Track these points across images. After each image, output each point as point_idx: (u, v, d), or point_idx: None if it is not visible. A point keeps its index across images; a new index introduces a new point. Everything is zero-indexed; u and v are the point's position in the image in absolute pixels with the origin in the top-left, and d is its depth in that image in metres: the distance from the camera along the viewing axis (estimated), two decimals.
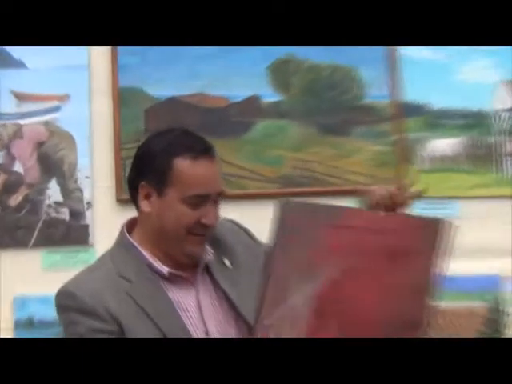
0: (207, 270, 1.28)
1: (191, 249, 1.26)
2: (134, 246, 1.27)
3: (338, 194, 2.03)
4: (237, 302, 1.24)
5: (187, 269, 1.27)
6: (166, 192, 1.23)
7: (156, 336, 1.16)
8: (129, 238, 1.28)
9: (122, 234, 1.30)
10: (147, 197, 1.25)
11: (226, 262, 1.29)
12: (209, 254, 1.29)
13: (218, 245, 1.32)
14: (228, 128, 2.13)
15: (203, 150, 1.24)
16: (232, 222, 1.39)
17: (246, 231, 1.38)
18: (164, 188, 1.23)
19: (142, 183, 1.24)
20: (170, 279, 1.25)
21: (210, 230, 1.26)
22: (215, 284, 1.26)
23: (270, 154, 2.15)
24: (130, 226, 1.29)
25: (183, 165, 1.23)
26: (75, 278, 1.27)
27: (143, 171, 1.26)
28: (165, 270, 1.25)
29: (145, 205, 1.25)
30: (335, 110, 2.18)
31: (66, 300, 1.23)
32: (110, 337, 1.16)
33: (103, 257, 1.31)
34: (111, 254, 1.30)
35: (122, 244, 1.29)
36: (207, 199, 1.24)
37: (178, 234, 1.24)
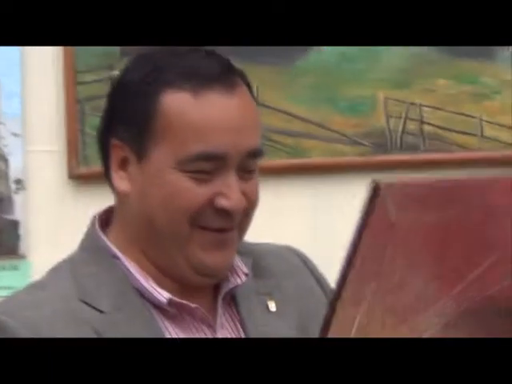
0: (233, 301, 0.91)
1: (202, 256, 0.87)
2: (110, 252, 0.91)
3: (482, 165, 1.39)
4: None
5: (199, 295, 0.89)
6: (151, 153, 0.85)
7: None
8: (103, 239, 0.91)
9: (91, 232, 0.92)
10: (123, 165, 0.85)
11: (269, 302, 0.91)
12: (239, 274, 0.91)
13: (260, 271, 0.95)
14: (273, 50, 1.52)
15: (215, 76, 0.84)
16: (293, 249, 1.01)
17: (312, 269, 0.98)
18: (147, 146, 0.85)
19: (115, 141, 0.85)
20: (170, 311, 0.89)
21: (237, 219, 0.86)
22: (244, 329, 0.89)
23: (350, 93, 1.46)
24: (106, 219, 0.92)
25: (178, 103, 0.85)
26: (8, 301, 0.93)
27: (116, 121, 0.87)
28: (162, 295, 0.89)
29: (119, 179, 0.85)
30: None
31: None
32: None
33: (57, 269, 0.93)
34: (71, 265, 0.91)
35: (90, 250, 0.92)
36: (225, 165, 0.84)
37: (176, 229, 0.87)
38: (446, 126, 1.43)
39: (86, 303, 0.86)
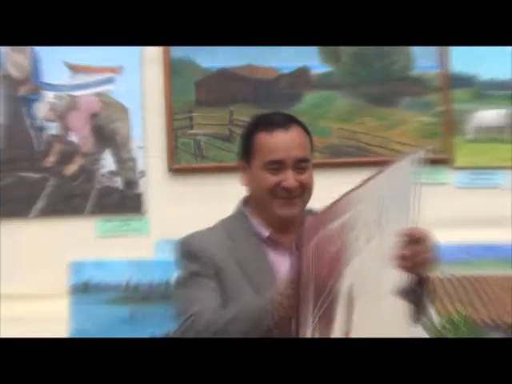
0: None
1: (280, 211, 1.40)
2: (242, 213, 1.47)
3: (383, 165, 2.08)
4: None
5: (286, 235, 1.39)
6: (252, 162, 1.43)
7: (245, 288, 1.33)
8: (241, 206, 1.48)
9: (238, 204, 1.49)
10: (243, 171, 1.45)
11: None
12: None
13: None
14: (277, 99, 2.18)
15: (278, 123, 1.42)
16: None
17: None
18: (250, 159, 1.43)
19: (240, 160, 1.47)
20: (270, 243, 1.41)
21: (296, 193, 1.39)
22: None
23: (319, 125, 2.17)
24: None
25: (262, 137, 1.42)
26: (193, 233, 1.46)
27: (240, 149, 1.49)
28: (264, 233, 1.43)
29: (242, 178, 1.46)
30: (383, 81, 2.22)
31: (181, 246, 1.44)
32: (205, 280, 1.35)
33: (218, 222, 1.49)
34: (224, 220, 1.48)
35: (235, 212, 1.49)
36: (285, 165, 1.39)
37: (264, 199, 1.41)
38: (369, 143, 2.20)
39: (228, 237, 1.42)
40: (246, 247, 1.41)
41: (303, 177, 1.41)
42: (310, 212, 1.38)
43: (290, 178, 1.39)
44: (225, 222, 1.48)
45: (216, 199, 2.07)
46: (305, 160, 1.42)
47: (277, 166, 1.40)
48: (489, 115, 2.24)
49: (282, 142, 1.41)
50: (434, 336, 1.99)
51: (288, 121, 1.44)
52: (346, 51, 2.23)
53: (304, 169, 1.41)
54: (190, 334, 1.28)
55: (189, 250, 1.41)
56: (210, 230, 1.47)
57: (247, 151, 1.45)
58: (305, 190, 1.41)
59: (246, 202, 1.48)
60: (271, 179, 1.40)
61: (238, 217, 1.47)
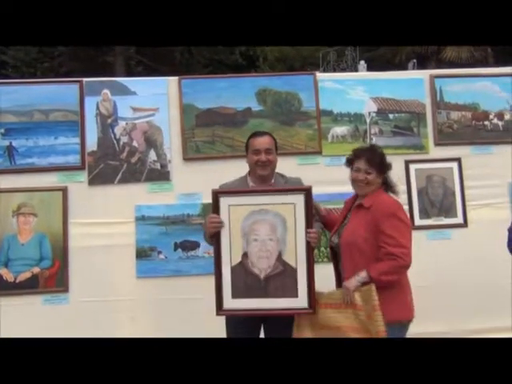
0: None
1: (258, 172, 3.01)
2: (245, 176, 3.08)
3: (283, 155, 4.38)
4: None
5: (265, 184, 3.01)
6: (248, 151, 3.11)
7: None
8: (246, 174, 3.11)
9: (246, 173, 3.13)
10: (246, 156, 3.13)
11: None
12: (272, 185, 3.03)
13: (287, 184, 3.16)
14: (235, 123, 4.39)
15: (259, 134, 3.10)
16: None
17: None
18: (247, 150, 3.12)
19: (245, 151, 3.19)
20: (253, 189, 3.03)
21: (266, 164, 3.00)
22: None
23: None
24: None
25: (252, 140, 3.10)
26: (223, 184, 3.08)
27: (245, 146, 3.24)
28: (250, 183, 3.04)
29: (247, 159, 3.14)
30: (288, 113, 4.47)
31: (217, 189, 2.92)
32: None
33: (236, 179, 3.08)
34: (237, 179, 3.09)
35: (243, 176, 3.10)
36: (260, 151, 3.02)
37: (252, 164, 3.02)
38: (282, 145, 4.49)
39: (237, 185, 3.11)
40: (242, 187, 3.02)
41: (270, 157, 3.00)
42: (279, 175, 3.01)
43: (262, 157, 2.96)
44: (237, 180, 3.04)
45: (206, 175, 4.21)
46: (270, 149, 3.01)
47: (257, 151, 2.98)
48: (339, 130, 4.58)
49: (259, 141, 3.01)
50: None
51: (264, 133, 3.13)
52: (269, 99, 4.52)
53: (270, 154, 3.01)
54: None
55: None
56: (231, 182, 3.02)
57: (247, 147, 3.09)
58: (271, 162, 2.99)
59: (249, 172, 3.04)
60: (255, 158, 3.00)
61: (242, 177, 3.06)
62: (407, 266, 2.69)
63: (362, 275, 2.68)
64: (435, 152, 4.26)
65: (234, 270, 2.85)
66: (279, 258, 2.84)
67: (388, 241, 2.67)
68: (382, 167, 2.99)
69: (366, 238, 2.74)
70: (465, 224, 4.24)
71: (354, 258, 2.74)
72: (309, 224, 2.83)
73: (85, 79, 4.17)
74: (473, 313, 3.70)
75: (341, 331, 2.58)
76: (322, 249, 4.19)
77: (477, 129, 4.53)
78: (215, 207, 2.88)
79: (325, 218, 3.17)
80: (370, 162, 2.99)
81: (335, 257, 3.00)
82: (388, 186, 3.02)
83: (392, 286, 2.65)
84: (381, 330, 2.44)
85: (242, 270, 2.84)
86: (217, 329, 3.21)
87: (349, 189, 4.28)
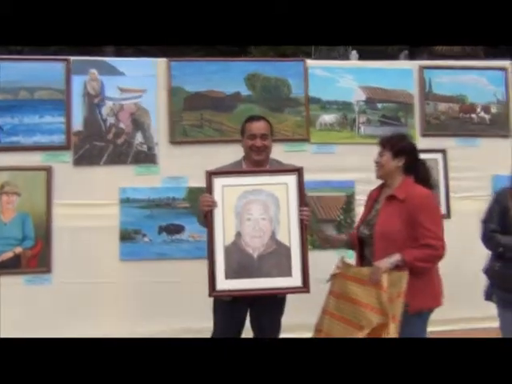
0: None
1: (254, 157, 2.94)
2: (240, 160, 3.01)
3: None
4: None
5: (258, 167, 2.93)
6: (243, 135, 3.03)
7: None
8: (241, 158, 3.01)
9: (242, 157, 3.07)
10: (242, 140, 3.08)
11: None
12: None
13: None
14: (225, 108, 4.32)
15: (255, 119, 3.03)
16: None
17: None
18: (243, 134, 3.04)
19: (241, 136, 3.13)
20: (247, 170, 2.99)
21: (261, 149, 2.93)
22: None
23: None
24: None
25: (248, 124, 3.02)
26: (220, 167, 2.98)
27: (241, 130, 3.15)
28: (244, 167, 2.95)
29: (242, 143, 3.09)
30: (277, 99, 4.46)
31: (210, 170, 2.92)
32: None
33: (233, 162, 3.03)
34: (233, 163, 3.05)
35: (238, 160, 3.05)
36: (256, 136, 2.94)
37: (247, 149, 2.95)
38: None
39: (232, 168, 3.05)
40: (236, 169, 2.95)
41: (265, 142, 2.93)
42: (275, 161, 2.93)
43: (258, 142, 2.90)
44: (231, 164, 2.97)
45: (194, 158, 4.21)
46: (266, 134, 2.93)
47: (252, 136, 2.90)
48: (327, 117, 4.57)
49: (255, 126, 2.94)
50: None
51: (259, 118, 3.04)
52: (258, 84, 4.49)
53: (265, 139, 2.93)
54: None
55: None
56: (228, 165, 2.95)
57: (242, 131, 3.01)
58: (266, 147, 2.92)
59: (244, 156, 2.97)
60: (250, 142, 2.93)
61: (237, 162, 3.00)
62: (441, 257, 2.79)
63: (396, 258, 2.73)
64: (421, 143, 4.28)
65: (227, 249, 2.84)
66: (272, 237, 2.85)
67: (427, 233, 2.75)
68: (396, 150, 2.97)
69: (401, 229, 2.78)
70: (448, 215, 4.31)
71: (388, 248, 2.78)
72: (301, 203, 2.87)
73: (72, 57, 4.12)
74: (456, 302, 3.69)
75: (356, 305, 2.67)
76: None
77: (463, 121, 4.57)
78: (209, 188, 2.89)
79: (348, 238, 3.20)
80: (383, 143, 3.02)
81: (361, 245, 3.04)
82: (420, 178, 2.98)
83: (423, 275, 2.76)
84: (397, 315, 2.51)
85: (235, 250, 2.84)
86: (201, 313, 3.22)
87: (335, 176, 4.41)
